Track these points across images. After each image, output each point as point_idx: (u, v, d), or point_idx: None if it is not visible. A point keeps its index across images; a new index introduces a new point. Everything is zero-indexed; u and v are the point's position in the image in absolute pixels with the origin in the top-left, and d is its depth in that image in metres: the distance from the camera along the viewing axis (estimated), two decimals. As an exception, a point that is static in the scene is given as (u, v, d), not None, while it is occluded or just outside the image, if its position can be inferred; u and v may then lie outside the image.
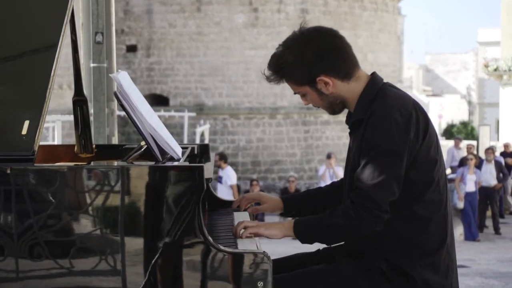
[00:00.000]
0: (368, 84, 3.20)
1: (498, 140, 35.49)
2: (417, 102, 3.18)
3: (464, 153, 21.22)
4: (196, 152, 4.11)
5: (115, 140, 8.65)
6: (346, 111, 3.34)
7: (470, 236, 16.02)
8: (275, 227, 3.22)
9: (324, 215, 3.14)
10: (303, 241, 3.17)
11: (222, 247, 2.94)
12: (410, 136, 3.03)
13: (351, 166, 3.20)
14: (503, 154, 21.66)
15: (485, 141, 25.59)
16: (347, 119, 3.29)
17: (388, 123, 3.03)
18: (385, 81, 3.26)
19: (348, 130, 3.33)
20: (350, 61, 3.20)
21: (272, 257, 2.99)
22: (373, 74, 3.26)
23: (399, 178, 3.03)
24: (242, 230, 3.23)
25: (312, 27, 3.22)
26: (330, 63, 3.16)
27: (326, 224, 3.10)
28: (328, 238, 3.17)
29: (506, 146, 22.44)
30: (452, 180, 16.51)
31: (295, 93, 3.30)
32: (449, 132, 54.51)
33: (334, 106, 3.26)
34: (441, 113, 59.37)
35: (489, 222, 17.56)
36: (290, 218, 3.36)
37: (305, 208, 3.58)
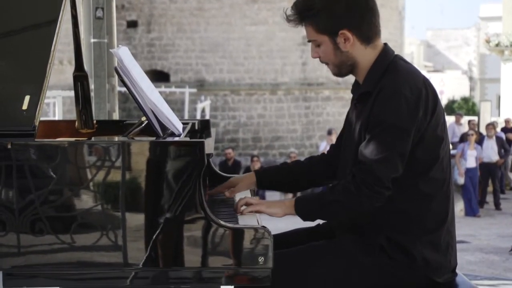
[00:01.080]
0: (380, 56, 3.17)
1: (499, 116, 35.43)
2: (427, 79, 3.15)
3: (465, 129, 21.20)
4: (197, 127, 4.10)
5: (115, 116, 8.65)
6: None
7: (471, 211, 16.06)
8: (276, 205, 3.22)
9: (325, 191, 3.13)
10: (304, 219, 3.16)
11: (222, 223, 2.94)
12: (419, 113, 3.01)
13: (354, 141, 3.17)
14: (504, 129, 21.64)
15: (486, 117, 25.56)
16: (353, 88, 3.26)
17: (397, 99, 3.00)
18: (395, 54, 3.22)
19: (350, 104, 3.30)
20: (375, 26, 3.17)
21: (273, 233, 3.00)
22: (386, 46, 3.23)
23: (403, 155, 3.01)
24: (244, 207, 3.23)
25: None
26: (358, 21, 3.12)
27: (327, 201, 3.09)
28: (329, 214, 3.16)
29: (507, 121, 22.41)
30: (452, 156, 16.51)
31: (309, 41, 3.22)
32: (450, 108, 54.42)
33: (343, 66, 3.20)
34: (442, 89, 59.24)
35: (489, 198, 17.58)
36: (291, 196, 3.35)
37: (278, 181, 3.59)
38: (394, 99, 3.00)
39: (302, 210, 3.14)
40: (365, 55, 3.16)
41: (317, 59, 3.24)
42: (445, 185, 3.15)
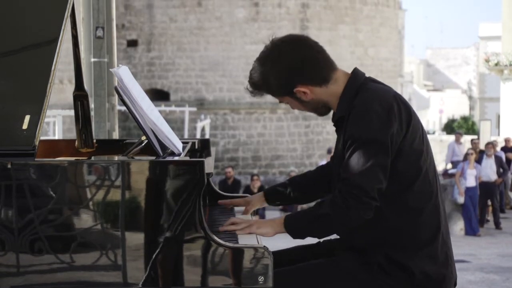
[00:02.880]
0: (349, 83, 3.23)
1: (499, 135, 35.47)
2: (398, 94, 3.21)
3: (466, 148, 21.17)
4: (196, 147, 4.11)
5: (115, 135, 8.66)
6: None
7: (471, 231, 16.02)
8: (266, 224, 3.24)
9: (313, 207, 3.16)
10: (294, 236, 3.18)
11: (222, 242, 2.94)
12: (392, 126, 3.05)
13: (338, 161, 3.22)
14: (504, 148, 21.64)
15: (486, 136, 25.56)
16: (332, 118, 3.32)
17: (369, 115, 3.06)
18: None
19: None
20: (324, 67, 3.23)
21: (272, 250, 3.00)
22: (354, 71, 3.29)
23: (384, 166, 3.05)
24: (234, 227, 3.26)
25: (283, 38, 3.27)
26: (304, 74, 3.20)
27: (315, 216, 3.11)
28: (319, 230, 3.16)
29: (507, 140, 22.41)
30: (452, 175, 16.51)
31: (280, 102, 3.36)
32: (449, 127, 54.52)
33: (318, 109, 3.32)
34: (442, 108, 59.38)
35: (490, 217, 17.56)
36: (282, 214, 3.38)
37: (288, 195, 3.64)
38: (366, 115, 3.07)
39: (291, 227, 3.16)
40: (330, 92, 3.24)
41: None
42: (433, 197, 3.18)
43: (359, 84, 3.21)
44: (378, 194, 3.04)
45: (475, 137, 26.23)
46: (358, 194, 3.02)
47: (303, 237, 3.19)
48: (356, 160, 3.04)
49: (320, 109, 3.31)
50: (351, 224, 3.10)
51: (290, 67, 3.19)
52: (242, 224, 3.26)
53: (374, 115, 3.05)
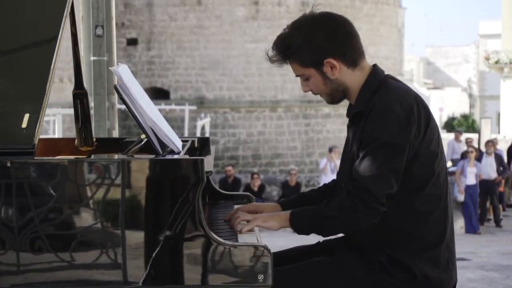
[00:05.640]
0: (370, 76, 3.19)
1: (499, 133, 35.46)
2: (419, 96, 3.16)
3: (464, 146, 21.17)
4: (196, 145, 4.11)
5: (115, 134, 8.65)
6: (345, 104, 3.33)
7: (471, 229, 16.03)
8: (272, 218, 3.22)
9: (320, 206, 3.14)
10: (299, 232, 3.17)
11: (222, 240, 2.94)
12: (411, 129, 3.02)
13: (350, 159, 3.18)
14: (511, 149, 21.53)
15: (486, 134, 25.55)
16: (348, 111, 3.28)
17: (389, 116, 3.02)
18: (386, 73, 3.25)
19: (347, 123, 3.32)
20: (358, 48, 3.19)
21: (272, 250, 3.00)
22: (375, 66, 3.25)
23: (397, 171, 3.02)
24: (240, 227, 3.23)
25: (323, 12, 3.21)
26: (340, 47, 3.14)
27: (323, 216, 3.10)
28: (324, 229, 3.16)
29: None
30: (452, 173, 16.50)
31: (297, 76, 3.25)
32: (450, 125, 54.48)
33: (335, 93, 3.23)
34: (442, 106, 59.32)
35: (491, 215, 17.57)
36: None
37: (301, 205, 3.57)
38: (385, 116, 3.03)
39: (297, 224, 3.15)
40: (354, 78, 3.19)
41: None
42: (442, 200, 3.16)
43: (380, 80, 3.17)
44: (387, 196, 3.03)
45: (471, 136, 26.22)
46: (368, 199, 3.00)
47: (307, 234, 3.19)
48: (370, 162, 3.01)
49: (338, 93, 3.21)
50: (357, 227, 3.10)
51: (328, 36, 3.12)
52: (248, 216, 3.25)
53: (395, 117, 3.01)
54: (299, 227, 3.16)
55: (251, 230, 3.21)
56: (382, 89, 3.13)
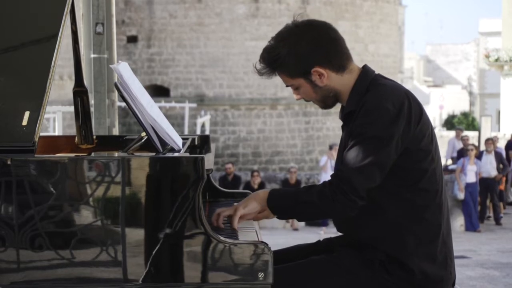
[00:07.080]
0: (360, 77, 3.21)
1: (499, 130, 35.48)
2: (409, 92, 3.19)
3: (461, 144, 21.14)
4: (196, 143, 4.11)
5: (115, 131, 8.65)
6: (338, 106, 3.33)
7: (471, 227, 16.04)
8: (250, 201, 3.19)
9: (300, 190, 3.15)
10: (275, 213, 3.17)
11: (222, 238, 2.94)
12: (400, 125, 3.03)
13: (341, 155, 3.20)
14: (509, 144, 21.56)
15: (486, 132, 25.57)
16: (340, 113, 3.30)
17: (379, 112, 3.03)
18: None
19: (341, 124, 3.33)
20: (344, 53, 3.20)
21: (273, 249, 3.00)
22: (365, 67, 3.27)
23: (383, 165, 3.03)
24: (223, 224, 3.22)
25: (305, 20, 3.21)
26: (325, 54, 3.15)
27: (301, 200, 3.10)
28: (301, 213, 3.18)
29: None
30: (452, 171, 16.51)
31: (287, 86, 3.27)
32: (450, 123, 54.51)
33: (327, 99, 3.25)
34: (442, 103, 59.36)
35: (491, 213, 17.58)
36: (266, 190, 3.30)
37: None
38: (376, 111, 3.04)
39: (274, 203, 3.15)
40: (344, 82, 3.20)
41: None
42: (437, 196, 3.17)
43: (370, 80, 3.19)
44: (380, 190, 3.05)
45: (471, 134, 26.22)
46: (348, 190, 3.01)
47: (283, 216, 3.19)
48: (355, 154, 3.03)
49: (330, 98, 3.24)
50: (333, 216, 3.16)
51: (313, 45, 3.13)
52: (227, 211, 3.23)
53: (384, 113, 3.03)
54: (276, 208, 3.15)
55: (242, 219, 3.18)
56: (373, 87, 3.14)
